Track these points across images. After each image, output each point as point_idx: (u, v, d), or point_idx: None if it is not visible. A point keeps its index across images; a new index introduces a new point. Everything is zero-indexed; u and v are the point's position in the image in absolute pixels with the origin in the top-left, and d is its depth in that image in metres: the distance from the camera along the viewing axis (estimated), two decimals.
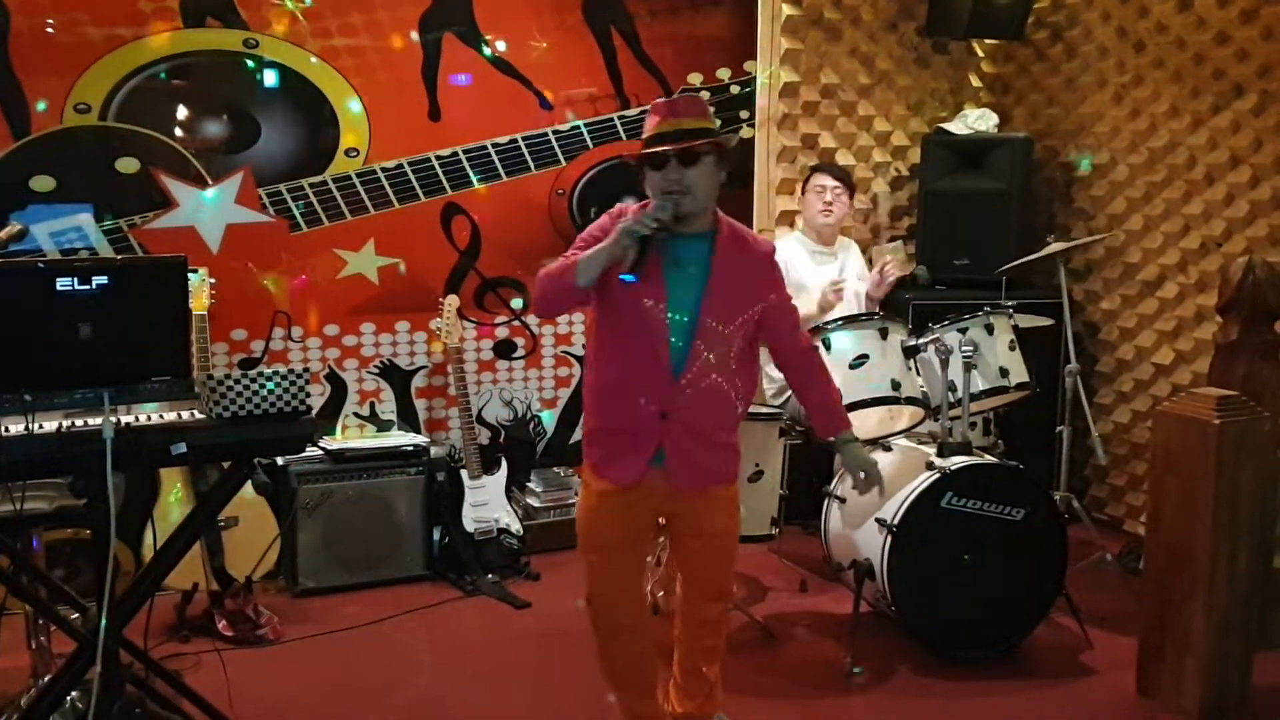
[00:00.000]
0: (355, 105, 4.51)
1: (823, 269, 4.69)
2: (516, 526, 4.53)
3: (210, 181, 4.35)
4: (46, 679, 3.08)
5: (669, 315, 2.71)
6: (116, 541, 2.67)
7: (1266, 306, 3.86)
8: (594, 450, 2.87)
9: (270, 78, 4.40)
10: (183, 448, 2.66)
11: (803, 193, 4.81)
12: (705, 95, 5.06)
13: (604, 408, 2.83)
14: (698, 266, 2.74)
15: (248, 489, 3.06)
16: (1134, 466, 5.03)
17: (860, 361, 3.76)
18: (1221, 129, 4.56)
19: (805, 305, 4.61)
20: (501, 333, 4.91)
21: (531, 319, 4.94)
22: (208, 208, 4.34)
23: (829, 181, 4.69)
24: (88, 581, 3.69)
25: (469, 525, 4.46)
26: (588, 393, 2.89)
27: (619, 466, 2.80)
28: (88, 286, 2.58)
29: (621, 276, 2.60)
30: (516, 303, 4.89)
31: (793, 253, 4.67)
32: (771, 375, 4.72)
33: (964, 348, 3.76)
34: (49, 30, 4.08)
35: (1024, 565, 3.70)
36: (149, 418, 2.74)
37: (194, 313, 3.99)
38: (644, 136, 2.75)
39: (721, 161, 2.73)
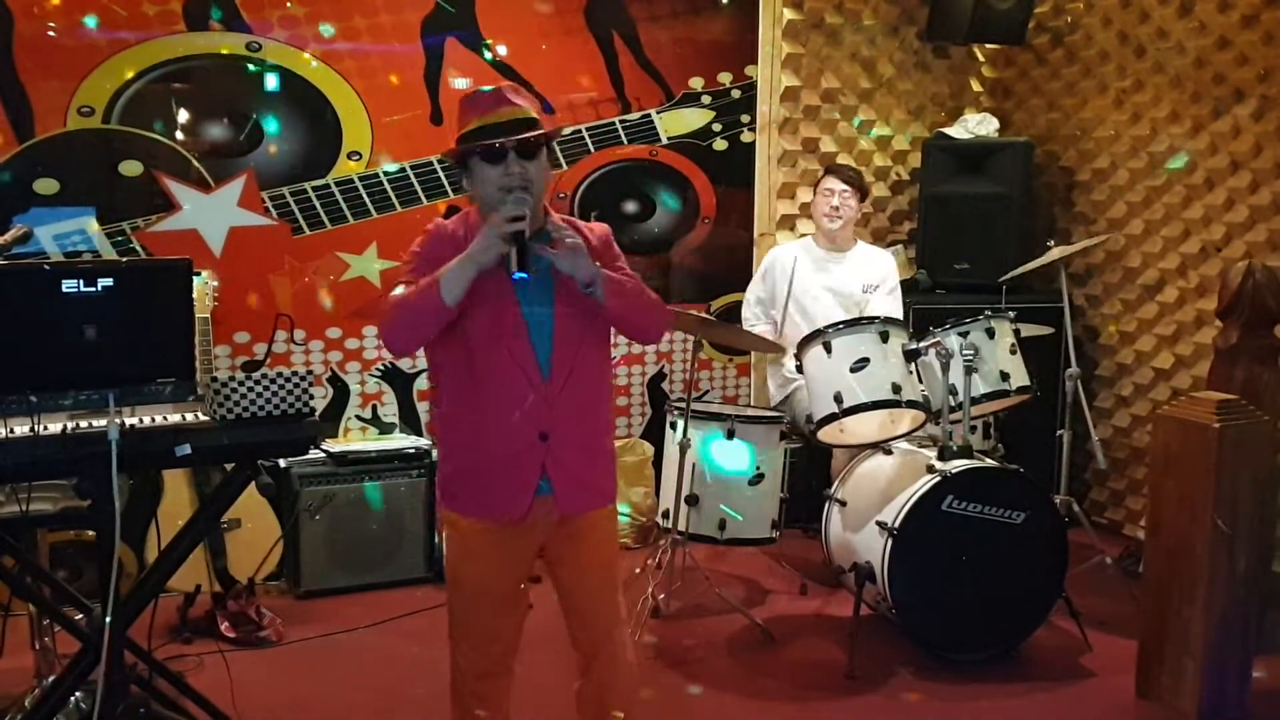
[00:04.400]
0: (357, 109, 4.53)
1: (829, 275, 4.61)
2: None
3: (213, 184, 4.37)
4: (51, 680, 3.09)
5: (528, 320, 2.47)
6: (120, 543, 2.68)
7: (1266, 311, 3.86)
8: (461, 488, 2.56)
9: (272, 81, 4.42)
10: (187, 449, 2.67)
11: (814, 193, 4.72)
12: (706, 97, 5.09)
13: (474, 440, 2.52)
14: (540, 263, 2.43)
15: (251, 490, 3.07)
16: (1134, 470, 5.04)
17: (861, 365, 3.76)
18: (1222, 134, 4.57)
19: (791, 327, 4.44)
20: None
21: None
22: (210, 211, 4.36)
23: (837, 185, 4.58)
24: (90, 583, 3.71)
25: None
26: (445, 428, 2.60)
27: (500, 500, 2.53)
28: (93, 288, 2.58)
29: (515, 276, 2.37)
30: None
31: (795, 260, 4.56)
32: (771, 372, 4.73)
33: (965, 351, 3.77)
34: (51, 34, 4.10)
35: (1024, 568, 3.71)
36: (153, 419, 2.76)
37: (197, 315, 4.00)
38: (462, 130, 2.47)
39: (550, 155, 2.52)
